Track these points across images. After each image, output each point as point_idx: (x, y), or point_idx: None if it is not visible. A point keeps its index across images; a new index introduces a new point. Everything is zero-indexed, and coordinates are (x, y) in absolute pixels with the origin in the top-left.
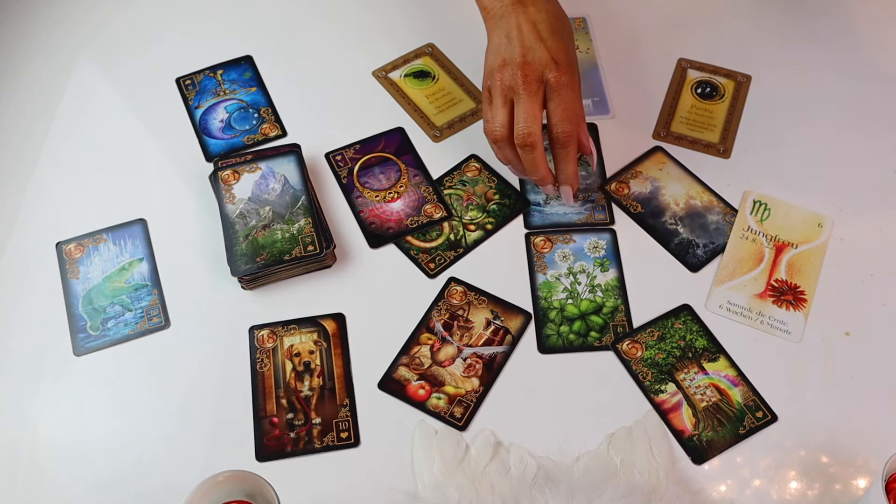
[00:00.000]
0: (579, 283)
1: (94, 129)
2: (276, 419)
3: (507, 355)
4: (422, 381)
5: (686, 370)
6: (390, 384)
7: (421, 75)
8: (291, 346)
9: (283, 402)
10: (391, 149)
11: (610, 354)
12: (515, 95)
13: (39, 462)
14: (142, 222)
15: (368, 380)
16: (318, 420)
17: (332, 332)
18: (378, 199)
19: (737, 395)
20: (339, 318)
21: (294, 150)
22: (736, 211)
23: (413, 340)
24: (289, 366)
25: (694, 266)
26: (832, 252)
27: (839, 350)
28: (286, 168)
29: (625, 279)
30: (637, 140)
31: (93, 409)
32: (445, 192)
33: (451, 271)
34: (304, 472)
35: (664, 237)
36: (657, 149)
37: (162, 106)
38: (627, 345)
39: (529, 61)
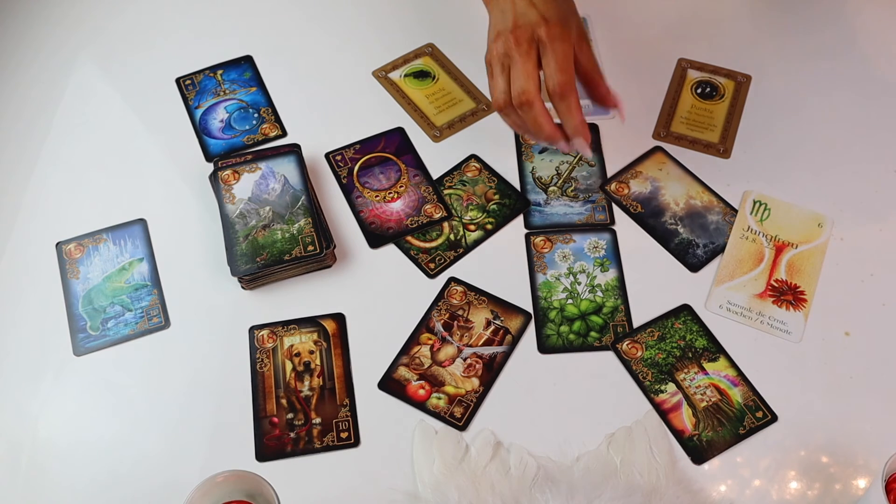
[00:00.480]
0: (579, 283)
1: (94, 130)
2: (276, 419)
3: (507, 355)
4: (422, 381)
5: (686, 370)
6: (390, 384)
7: (421, 75)
8: (291, 346)
9: (283, 402)
10: (391, 149)
11: (610, 354)
12: (511, 60)
13: (39, 462)
14: (142, 222)
15: (368, 380)
16: (318, 420)
17: (332, 332)
18: (378, 199)
19: (737, 395)
20: (339, 318)
21: (294, 150)
22: (736, 211)
23: (413, 340)
24: (289, 366)
25: (694, 266)
26: (832, 252)
27: (839, 350)
28: (286, 168)
29: (625, 279)
30: (637, 140)
31: (93, 409)
32: (445, 192)
33: (451, 271)
34: (304, 472)
35: (664, 237)
36: (657, 149)
37: (162, 106)
38: (627, 345)
39: (520, 25)
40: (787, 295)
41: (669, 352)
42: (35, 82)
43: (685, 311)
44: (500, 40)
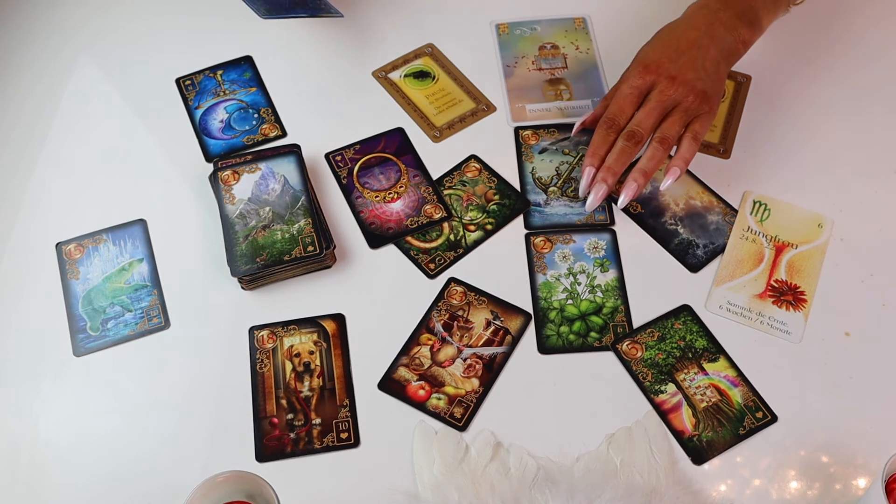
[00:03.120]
0: (579, 284)
1: (94, 130)
2: (276, 420)
3: (507, 356)
4: (422, 382)
5: (686, 370)
6: (390, 384)
7: (421, 75)
8: (291, 346)
9: (283, 402)
10: (391, 149)
11: (610, 355)
12: (650, 95)
13: (39, 462)
14: (142, 222)
15: (368, 380)
16: (317, 420)
17: (332, 332)
18: (378, 199)
19: (737, 395)
20: (339, 319)
21: (294, 150)
22: (736, 211)
23: (413, 341)
24: (289, 366)
25: (694, 266)
26: (832, 252)
27: (839, 350)
28: (286, 168)
29: (625, 279)
30: None
31: (93, 409)
32: (445, 192)
33: (451, 272)
34: (304, 473)
35: (664, 237)
36: None
37: (162, 106)
38: (627, 345)
39: (686, 81)
40: (787, 295)
41: (669, 352)
42: (36, 82)
43: (685, 311)
44: (655, 75)
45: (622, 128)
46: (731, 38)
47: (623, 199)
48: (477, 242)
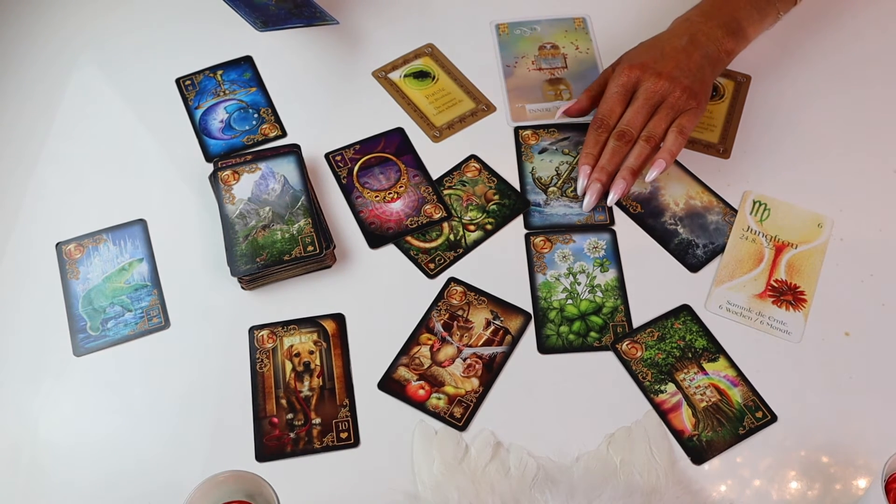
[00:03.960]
0: (579, 284)
1: (94, 130)
2: (275, 419)
3: (506, 355)
4: (422, 382)
5: (686, 370)
6: (390, 384)
7: (421, 75)
8: (291, 346)
9: (283, 402)
10: (391, 149)
11: (610, 354)
12: (636, 94)
13: (39, 462)
14: (142, 222)
15: (368, 380)
16: (317, 420)
17: (332, 332)
18: (378, 199)
19: (736, 395)
20: (339, 319)
21: (294, 150)
22: (736, 211)
23: (413, 341)
24: (288, 366)
25: (694, 266)
26: (832, 252)
27: (839, 350)
28: (286, 168)
29: (624, 279)
30: None
31: (93, 409)
32: (445, 192)
33: (451, 271)
34: (304, 473)
35: (664, 237)
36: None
37: (162, 106)
38: (627, 345)
39: (674, 77)
40: (787, 295)
41: (669, 352)
42: (36, 82)
43: (685, 311)
44: (640, 71)
45: (613, 127)
46: (714, 47)
47: (612, 198)
48: (477, 242)
